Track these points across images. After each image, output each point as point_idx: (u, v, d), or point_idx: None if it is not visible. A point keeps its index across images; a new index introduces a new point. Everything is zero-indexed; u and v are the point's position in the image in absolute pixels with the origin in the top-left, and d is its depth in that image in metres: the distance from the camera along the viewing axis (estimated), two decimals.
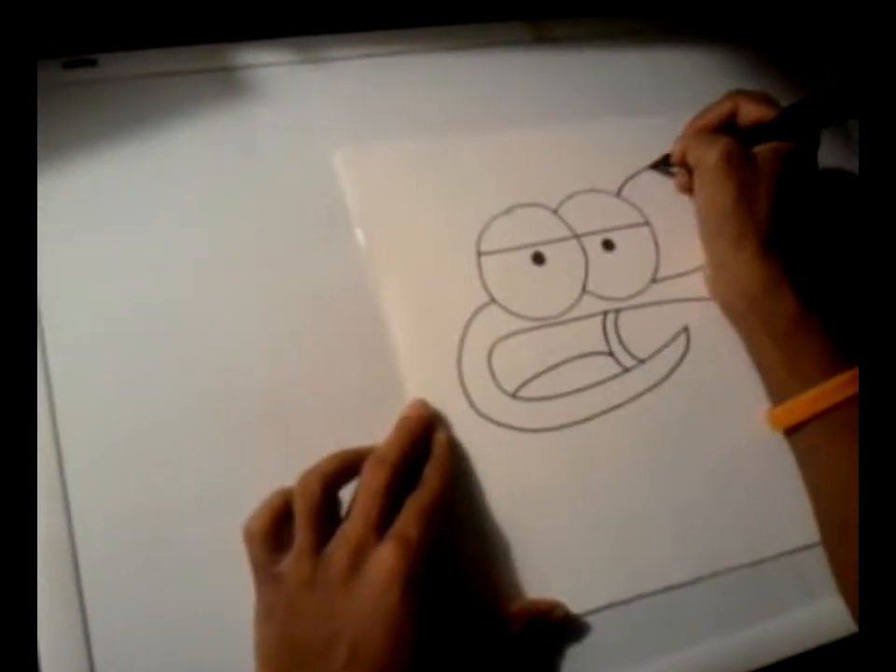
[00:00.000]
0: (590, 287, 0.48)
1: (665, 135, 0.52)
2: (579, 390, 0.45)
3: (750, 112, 0.48)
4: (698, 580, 0.43)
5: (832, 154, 0.54)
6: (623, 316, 0.47)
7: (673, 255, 0.49)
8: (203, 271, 0.44)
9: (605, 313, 0.47)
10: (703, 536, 0.44)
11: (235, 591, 0.38)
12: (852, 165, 0.56)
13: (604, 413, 0.45)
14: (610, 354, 0.46)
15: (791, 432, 0.45)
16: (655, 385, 0.46)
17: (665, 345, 0.47)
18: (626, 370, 0.46)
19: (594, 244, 0.49)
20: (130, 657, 0.37)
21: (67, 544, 0.38)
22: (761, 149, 0.47)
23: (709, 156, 0.46)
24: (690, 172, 0.49)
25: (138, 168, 0.46)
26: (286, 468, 0.39)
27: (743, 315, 0.46)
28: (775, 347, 0.44)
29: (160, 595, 0.39)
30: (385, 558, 0.35)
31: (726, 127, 0.49)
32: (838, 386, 0.42)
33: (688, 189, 0.50)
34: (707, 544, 0.44)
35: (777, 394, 0.45)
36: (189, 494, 0.40)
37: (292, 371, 0.43)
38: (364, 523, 0.37)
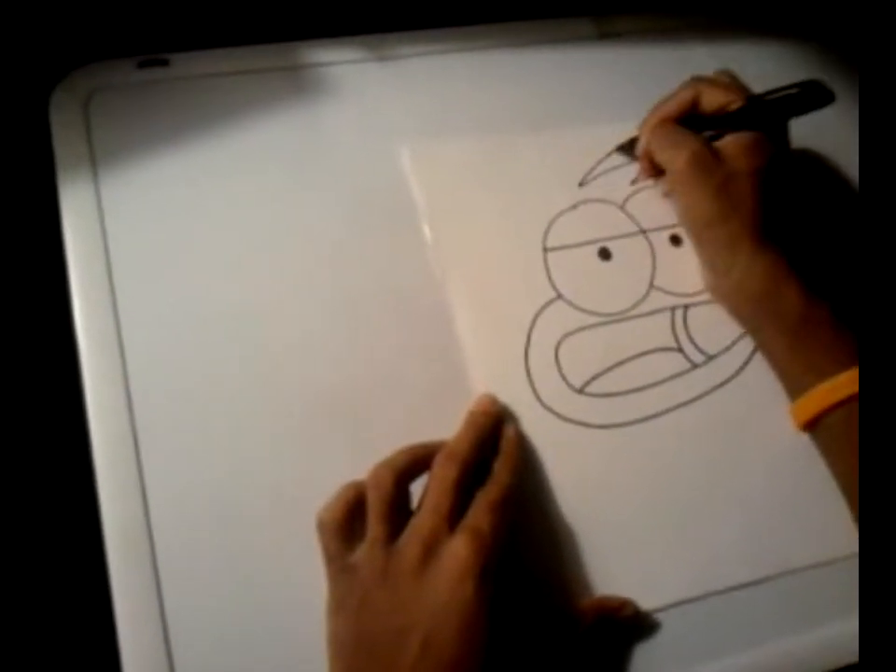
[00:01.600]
0: (657, 282, 0.47)
1: None
2: (647, 386, 0.45)
3: (715, 98, 0.46)
4: (766, 579, 0.42)
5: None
6: (692, 312, 0.47)
7: None
8: (271, 266, 0.45)
9: (673, 308, 0.47)
10: (771, 535, 0.43)
11: (307, 583, 0.38)
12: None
13: (672, 409, 0.45)
14: (680, 350, 0.46)
15: (810, 427, 0.43)
16: (725, 382, 0.45)
17: (735, 341, 0.46)
18: (695, 366, 0.46)
19: (661, 239, 0.49)
20: (205, 645, 0.38)
21: (145, 536, 0.39)
22: (730, 144, 0.45)
23: (678, 162, 0.44)
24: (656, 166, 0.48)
25: (208, 165, 0.47)
26: (354, 461, 0.39)
27: (749, 316, 0.45)
28: (785, 344, 0.43)
29: (232, 587, 0.39)
30: (458, 550, 0.36)
31: (689, 116, 0.47)
32: (854, 377, 0.41)
33: (651, 176, 0.49)
34: (775, 544, 0.43)
35: (793, 390, 0.44)
36: (261, 487, 0.41)
37: (359, 366, 0.43)
38: (436, 515, 0.37)
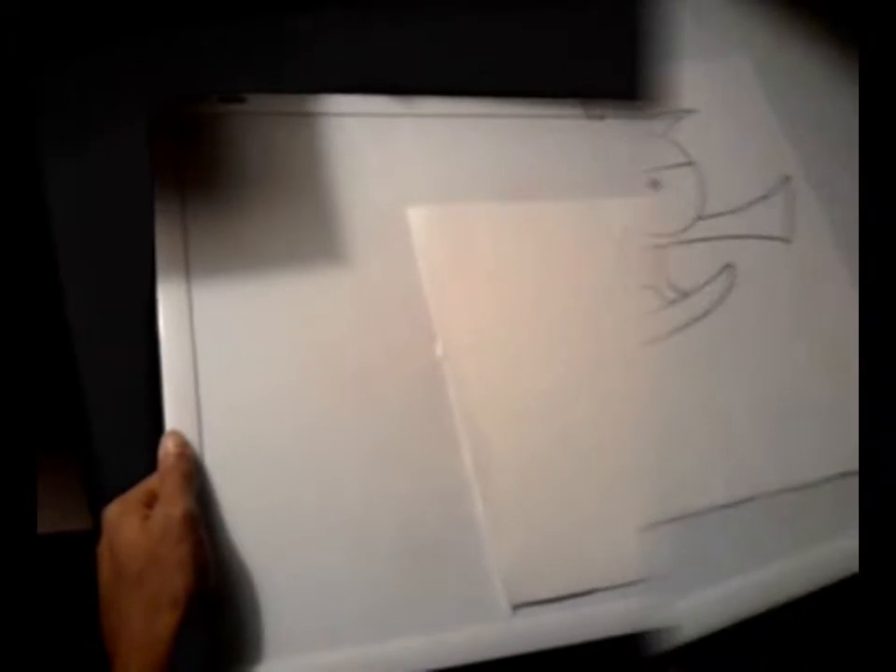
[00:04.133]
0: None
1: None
2: None
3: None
4: (745, 500, 0.42)
5: None
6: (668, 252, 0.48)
7: (719, 193, 0.49)
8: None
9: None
10: (754, 459, 0.43)
11: None
12: None
13: (647, 343, 0.45)
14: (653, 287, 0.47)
15: None
16: (698, 319, 0.46)
17: (709, 281, 0.47)
18: (670, 303, 0.47)
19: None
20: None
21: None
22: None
23: None
24: None
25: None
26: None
27: None
28: None
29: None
30: None
31: None
32: None
33: None
34: (759, 467, 0.43)
35: None
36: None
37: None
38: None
